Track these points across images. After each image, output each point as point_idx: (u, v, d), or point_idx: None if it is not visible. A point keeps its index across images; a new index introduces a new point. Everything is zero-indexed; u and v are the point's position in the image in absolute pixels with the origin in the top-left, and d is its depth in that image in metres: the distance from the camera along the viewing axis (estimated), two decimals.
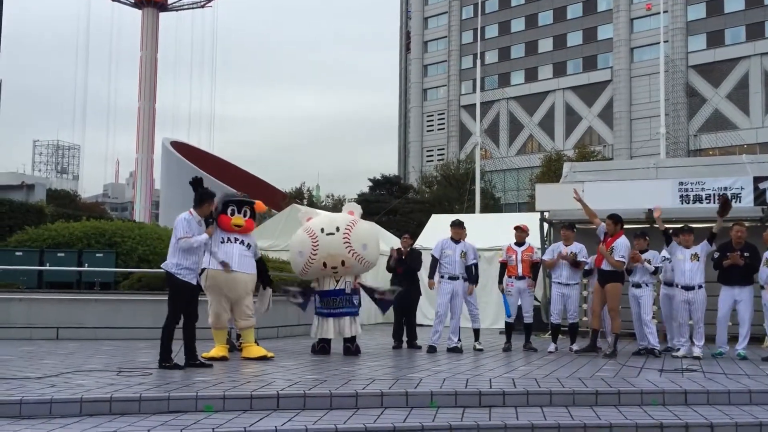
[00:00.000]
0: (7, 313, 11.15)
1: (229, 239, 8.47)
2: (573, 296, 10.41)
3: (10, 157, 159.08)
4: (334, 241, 9.19)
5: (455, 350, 10.03)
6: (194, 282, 7.68)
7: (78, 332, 11.12)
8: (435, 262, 10.27)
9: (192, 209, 7.79)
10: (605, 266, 9.76)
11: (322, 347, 9.39)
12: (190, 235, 7.58)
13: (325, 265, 9.18)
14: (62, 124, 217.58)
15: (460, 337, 10.34)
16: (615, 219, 9.83)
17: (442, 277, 10.22)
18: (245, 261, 8.49)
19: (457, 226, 10.36)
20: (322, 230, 9.25)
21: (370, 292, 9.84)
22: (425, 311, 15.27)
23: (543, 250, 12.49)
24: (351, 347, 9.36)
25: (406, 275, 10.75)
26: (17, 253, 12.49)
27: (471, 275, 10.35)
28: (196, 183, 7.86)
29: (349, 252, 9.20)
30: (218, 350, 8.43)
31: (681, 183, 12.51)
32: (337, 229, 9.26)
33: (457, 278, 10.19)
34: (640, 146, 54.86)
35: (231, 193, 9.08)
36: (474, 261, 10.46)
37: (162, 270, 7.88)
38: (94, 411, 5.45)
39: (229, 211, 8.51)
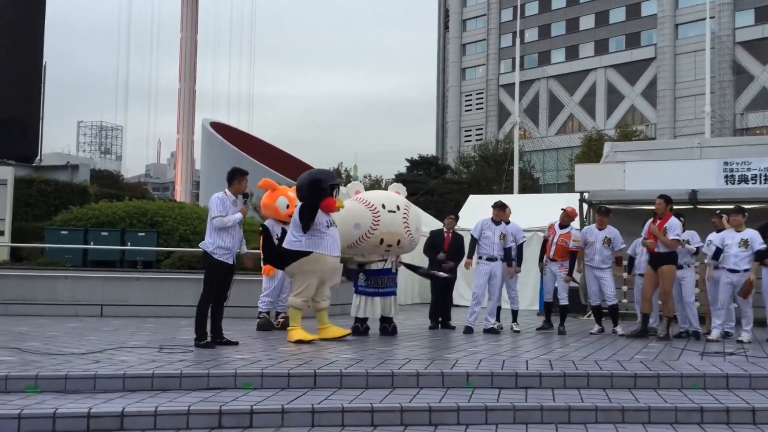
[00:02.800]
0: (53, 291, 11.47)
1: (332, 223, 8.21)
2: (607, 279, 10.33)
3: (55, 138, 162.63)
4: (395, 219, 9.02)
5: (492, 331, 10.00)
6: (230, 261, 7.70)
7: (121, 309, 11.39)
8: (474, 243, 10.22)
9: (226, 189, 7.83)
10: (660, 248, 9.52)
11: (366, 327, 9.35)
12: (224, 214, 7.60)
13: (381, 241, 8.96)
14: (105, 106, 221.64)
15: (498, 318, 10.32)
16: (667, 199, 9.66)
17: (480, 258, 10.16)
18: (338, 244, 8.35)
19: (499, 207, 10.28)
20: (383, 206, 9.00)
21: (415, 269, 10.04)
22: (462, 292, 15.26)
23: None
24: (388, 327, 9.37)
25: (450, 257, 10.80)
26: (62, 232, 12.82)
27: (510, 257, 10.30)
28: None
29: (406, 232, 9.12)
30: (306, 333, 8.16)
31: (726, 163, 12.24)
32: (398, 207, 9.12)
33: (496, 259, 10.11)
34: (685, 125, 53.62)
35: (328, 173, 8.75)
36: (520, 241, 10.61)
37: (201, 249, 7.98)
38: (136, 387, 5.58)
39: (334, 193, 8.25)
